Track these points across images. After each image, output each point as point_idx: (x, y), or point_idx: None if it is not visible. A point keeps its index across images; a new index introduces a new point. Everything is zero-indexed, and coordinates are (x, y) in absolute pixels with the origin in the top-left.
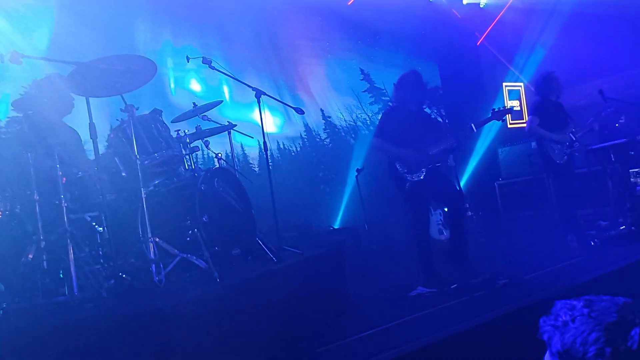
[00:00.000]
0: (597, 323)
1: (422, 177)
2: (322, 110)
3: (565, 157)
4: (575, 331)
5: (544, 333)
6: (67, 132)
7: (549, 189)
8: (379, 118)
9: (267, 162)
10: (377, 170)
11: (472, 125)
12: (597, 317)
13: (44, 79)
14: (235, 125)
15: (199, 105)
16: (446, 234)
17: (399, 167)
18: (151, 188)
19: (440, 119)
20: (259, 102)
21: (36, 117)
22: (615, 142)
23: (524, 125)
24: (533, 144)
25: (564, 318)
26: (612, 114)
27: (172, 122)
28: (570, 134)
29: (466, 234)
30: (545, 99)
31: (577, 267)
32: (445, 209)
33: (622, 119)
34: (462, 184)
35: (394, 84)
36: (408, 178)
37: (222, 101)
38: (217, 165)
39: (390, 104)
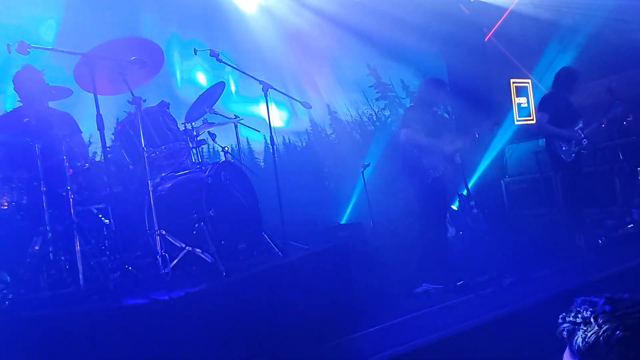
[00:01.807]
0: (621, 322)
1: (440, 174)
2: (328, 106)
3: (574, 155)
4: (598, 329)
5: (563, 330)
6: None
7: (555, 187)
8: (404, 112)
9: (274, 157)
10: (384, 166)
11: (476, 134)
12: (621, 316)
13: (21, 70)
14: (242, 119)
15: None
16: (451, 231)
17: (425, 162)
18: (158, 180)
19: (446, 115)
20: (266, 95)
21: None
22: (624, 140)
23: (532, 122)
24: (540, 141)
25: (584, 315)
26: (620, 112)
27: (186, 121)
28: (579, 131)
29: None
30: (555, 94)
31: (584, 266)
32: (453, 207)
33: (630, 117)
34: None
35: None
36: (432, 173)
37: (223, 82)
38: (224, 159)
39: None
